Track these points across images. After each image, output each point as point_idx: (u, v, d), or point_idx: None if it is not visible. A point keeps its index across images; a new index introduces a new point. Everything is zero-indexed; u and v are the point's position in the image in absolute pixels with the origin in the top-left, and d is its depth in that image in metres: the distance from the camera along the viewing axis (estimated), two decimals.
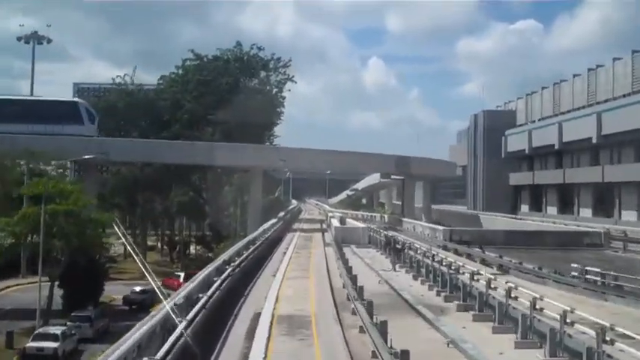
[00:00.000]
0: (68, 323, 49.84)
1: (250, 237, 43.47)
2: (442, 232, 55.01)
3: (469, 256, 44.25)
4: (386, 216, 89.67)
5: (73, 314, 51.57)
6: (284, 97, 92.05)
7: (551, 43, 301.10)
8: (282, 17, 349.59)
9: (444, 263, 32.27)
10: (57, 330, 44.81)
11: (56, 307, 58.63)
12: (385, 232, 51.52)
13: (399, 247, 42.54)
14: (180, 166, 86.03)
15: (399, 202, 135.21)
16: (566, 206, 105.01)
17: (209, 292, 20.69)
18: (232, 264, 27.85)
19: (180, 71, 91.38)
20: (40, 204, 53.92)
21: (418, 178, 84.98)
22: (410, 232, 66.83)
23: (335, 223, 61.63)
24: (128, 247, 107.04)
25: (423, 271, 35.14)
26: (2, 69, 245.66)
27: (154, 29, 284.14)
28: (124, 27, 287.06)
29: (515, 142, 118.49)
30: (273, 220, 64.41)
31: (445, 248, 51.59)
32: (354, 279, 27.75)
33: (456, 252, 48.46)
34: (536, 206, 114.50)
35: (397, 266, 39.21)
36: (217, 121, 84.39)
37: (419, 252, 38.38)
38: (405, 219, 75.79)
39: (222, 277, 24.09)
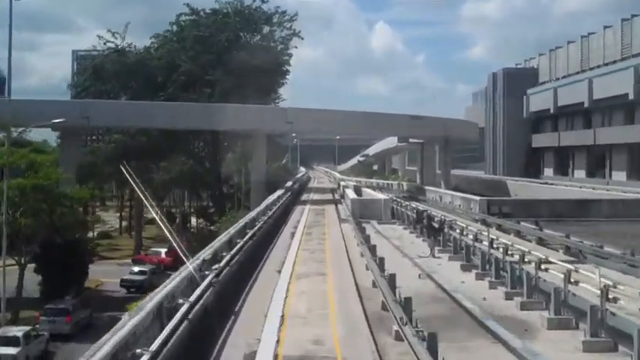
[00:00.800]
0: (42, 318, 42.49)
1: (250, 215, 34.38)
2: (479, 203, 46.02)
3: (519, 234, 35.42)
4: (404, 184, 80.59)
5: (46, 307, 44.07)
6: (290, 55, 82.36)
7: (558, 4, 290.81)
8: None
9: (509, 252, 23.47)
10: (19, 331, 36.74)
11: (35, 294, 51.52)
12: (415, 205, 42.56)
13: (435, 225, 33.68)
14: (178, 133, 77.13)
15: (413, 168, 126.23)
16: (596, 169, 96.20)
17: (167, 330, 11.76)
18: (218, 265, 18.86)
19: (175, 28, 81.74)
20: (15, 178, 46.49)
21: (438, 140, 75.62)
22: (435, 202, 57.92)
23: (350, 193, 52.65)
24: (125, 221, 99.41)
25: (477, 261, 26.27)
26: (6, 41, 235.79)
27: None
28: None
29: (539, 101, 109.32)
30: (280, 192, 55.49)
31: (485, 223, 42.73)
32: (391, 281, 18.89)
33: (499, 228, 39.63)
34: (562, 170, 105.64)
35: (436, 250, 30.39)
36: (216, 82, 75.14)
37: (466, 233, 29.47)
38: (428, 187, 66.76)
39: (196, 294, 14.99)
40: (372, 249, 25.61)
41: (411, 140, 77.31)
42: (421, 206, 43.72)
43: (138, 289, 57.01)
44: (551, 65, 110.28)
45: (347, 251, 30.09)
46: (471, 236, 28.39)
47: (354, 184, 72.92)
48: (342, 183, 73.20)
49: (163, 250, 69.14)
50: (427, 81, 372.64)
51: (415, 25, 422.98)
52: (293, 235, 35.22)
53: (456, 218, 37.05)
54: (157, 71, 79.34)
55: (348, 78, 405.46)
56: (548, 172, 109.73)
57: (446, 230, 32.26)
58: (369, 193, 55.15)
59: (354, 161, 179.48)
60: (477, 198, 47.06)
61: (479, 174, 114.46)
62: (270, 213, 37.78)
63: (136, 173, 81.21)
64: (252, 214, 35.20)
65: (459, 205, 49.74)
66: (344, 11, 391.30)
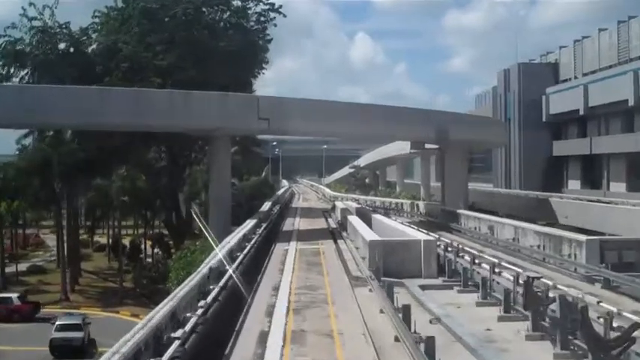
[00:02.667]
0: None
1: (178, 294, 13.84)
2: (585, 245, 26.21)
3: None
4: (420, 204, 60.73)
5: None
6: (269, 39, 62.21)
7: (539, 16, 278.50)
8: None
9: None
10: None
11: None
12: (492, 260, 22.65)
13: (587, 328, 14.03)
14: (129, 139, 57.05)
15: (414, 182, 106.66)
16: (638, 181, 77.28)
17: None
18: None
19: (120, 3, 61.32)
20: None
21: (462, 146, 55.94)
22: (482, 236, 38.17)
23: (360, 227, 32.63)
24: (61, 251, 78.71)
25: None
26: None
27: None
28: None
29: (562, 101, 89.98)
30: (251, 223, 35.36)
31: (608, 284, 23.20)
32: None
33: None
34: (591, 182, 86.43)
35: None
36: (169, 70, 55.22)
37: None
38: (463, 211, 46.61)
39: None
40: None
41: (427, 146, 57.58)
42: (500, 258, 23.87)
43: (66, 353, 39.27)
44: (576, 59, 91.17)
45: None
46: None
47: (356, 205, 53.55)
48: (340, 204, 53.32)
49: (15, 296, 50.50)
50: (408, 91, 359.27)
51: (395, 36, 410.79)
52: (263, 337, 15.32)
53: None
54: (96, 58, 59.40)
55: (328, 88, 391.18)
56: (574, 184, 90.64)
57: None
58: (387, 225, 34.99)
59: (341, 173, 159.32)
60: (582, 237, 27.15)
61: (487, 186, 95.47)
62: (220, 285, 17.77)
63: (65, 192, 61.71)
64: (195, 279, 15.52)
65: (538, 247, 29.92)
66: (324, 21, 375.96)
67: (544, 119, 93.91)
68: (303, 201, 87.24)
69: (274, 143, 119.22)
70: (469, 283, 23.06)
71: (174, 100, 40.09)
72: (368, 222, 37.60)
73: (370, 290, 22.31)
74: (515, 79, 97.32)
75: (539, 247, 29.77)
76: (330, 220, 52.50)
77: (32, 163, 58.11)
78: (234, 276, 19.78)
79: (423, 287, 23.29)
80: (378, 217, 40.51)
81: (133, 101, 38.69)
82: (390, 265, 25.04)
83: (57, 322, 43.07)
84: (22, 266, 71.35)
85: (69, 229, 64.23)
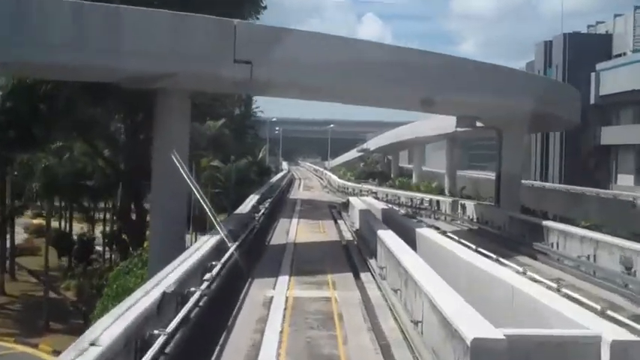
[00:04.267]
0: None
1: None
2: None
3: None
4: (469, 204, 44.30)
5: None
6: None
7: (547, 3, 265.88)
8: None
9: None
10: None
11: None
12: None
13: None
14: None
15: (437, 170, 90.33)
16: None
17: None
18: None
19: None
20: None
21: (529, 124, 39.61)
22: (591, 269, 22.20)
23: (416, 271, 16.09)
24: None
25: None
26: None
27: None
28: None
29: (618, 79, 73.75)
30: (208, 244, 19.11)
31: None
32: None
33: None
34: None
35: None
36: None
37: None
38: (551, 224, 29.92)
39: None
40: None
41: (478, 124, 40.96)
42: None
43: None
44: (635, 30, 74.89)
45: None
46: None
47: (380, 204, 37.81)
48: (357, 203, 37.02)
49: None
50: None
51: (404, 19, 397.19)
52: None
53: None
54: None
55: None
56: (625, 179, 74.79)
57: None
58: (456, 257, 18.13)
59: (347, 157, 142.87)
60: None
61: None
62: None
63: None
64: None
65: None
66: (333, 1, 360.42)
67: (592, 101, 77.65)
68: (304, 189, 71.13)
69: (274, 119, 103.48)
70: None
71: (88, 19, 20.59)
72: (407, 238, 21.47)
73: None
74: (559, 52, 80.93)
75: None
76: (340, 222, 36.56)
77: None
78: None
79: None
80: (427, 234, 23.67)
81: (12, 18, 20.45)
82: None
83: None
84: None
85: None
